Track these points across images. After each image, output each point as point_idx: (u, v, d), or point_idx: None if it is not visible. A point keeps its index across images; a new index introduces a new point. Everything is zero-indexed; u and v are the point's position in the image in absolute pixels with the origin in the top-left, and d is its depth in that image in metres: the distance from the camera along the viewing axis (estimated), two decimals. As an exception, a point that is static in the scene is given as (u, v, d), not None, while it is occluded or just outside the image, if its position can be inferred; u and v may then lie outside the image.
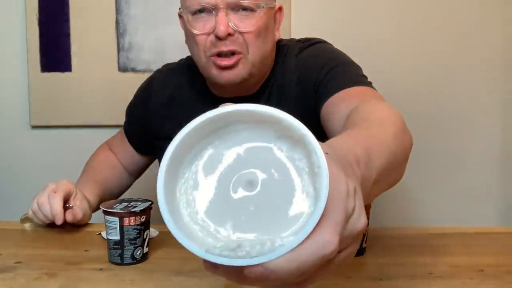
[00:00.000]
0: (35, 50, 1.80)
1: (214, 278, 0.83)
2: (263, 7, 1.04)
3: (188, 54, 1.21)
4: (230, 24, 1.01)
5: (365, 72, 1.20)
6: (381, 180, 0.59)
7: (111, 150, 1.38)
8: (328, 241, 0.42)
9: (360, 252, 0.94)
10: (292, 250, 0.41)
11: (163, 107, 1.23)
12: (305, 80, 1.10)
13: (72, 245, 1.00)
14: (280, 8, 1.13)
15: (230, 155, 0.47)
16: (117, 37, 1.79)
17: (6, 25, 1.82)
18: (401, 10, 1.80)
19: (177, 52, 1.75)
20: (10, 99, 1.85)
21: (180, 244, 0.45)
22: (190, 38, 1.08)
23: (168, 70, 1.28)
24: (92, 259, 0.92)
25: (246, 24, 1.03)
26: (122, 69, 1.80)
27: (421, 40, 1.81)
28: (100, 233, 1.04)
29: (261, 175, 0.45)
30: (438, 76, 1.83)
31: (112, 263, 0.89)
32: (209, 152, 0.48)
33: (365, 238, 0.94)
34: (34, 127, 1.86)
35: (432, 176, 1.85)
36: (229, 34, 1.02)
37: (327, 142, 0.56)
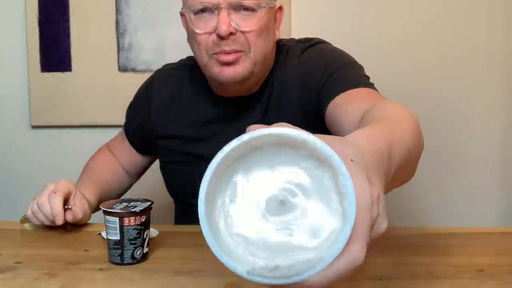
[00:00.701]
0: (35, 50, 1.80)
1: (214, 278, 0.83)
2: (264, 7, 1.05)
3: (188, 54, 1.21)
4: (232, 23, 1.02)
5: (365, 72, 1.20)
6: (396, 176, 0.61)
7: (110, 151, 1.38)
8: (358, 255, 0.47)
9: (360, 252, 0.93)
10: (327, 266, 0.44)
11: (164, 106, 1.23)
12: (307, 82, 1.10)
13: (72, 245, 1.00)
14: (280, 8, 1.14)
15: (260, 177, 0.49)
16: (117, 37, 1.79)
17: (6, 26, 1.82)
18: (402, 10, 1.80)
19: (177, 52, 1.75)
20: (10, 99, 1.86)
21: (213, 253, 0.47)
22: (192, 37, 1.08)
23: (169, 70, 1.28)
24: (92, 259, 0.92)
25: (248, 23, 1.03)
26: (122, 69, 1.80)
27: (421, 40, 1.81)
28: (100, 233, 1.04)
29: (291, 197, 0.47)
30: (438, 76, 1.83)
31: (112, 263, 0.89)
32: (238, 176, 0.50)
33: (365, 238, 0.93)
34: (34, 127, 1.86)
35: (432, 176, 1.85)
36: (231, 34, 1.02)
37: (353, 136, 0.58)
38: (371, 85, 1.07)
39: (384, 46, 1.81)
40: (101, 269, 0.87)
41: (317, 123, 1.06)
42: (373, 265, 0.89)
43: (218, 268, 0.86)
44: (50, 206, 1.04)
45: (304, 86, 1.11)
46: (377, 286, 0.81)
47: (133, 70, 1.80)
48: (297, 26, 1.74)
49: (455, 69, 1.83)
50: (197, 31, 1.05)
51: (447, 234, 1.09)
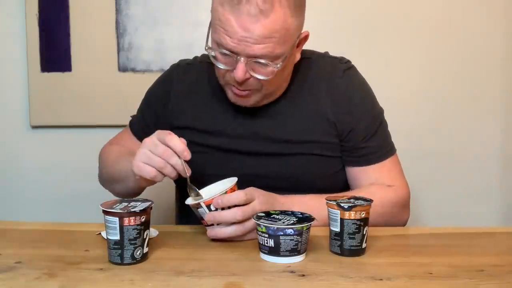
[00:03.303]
0: (35, 50, 1.80)
1: (214, 278, 0.83)
2: (279, 66, 1.06)
3: (188, 53, 1.21)
4: (248, 71, 1.06)
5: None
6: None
7: (119, 145, 1.32)
8: (239, 194, 0.99)
9: (360, 252, 0.94)
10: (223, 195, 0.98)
11: (184, 97, 1.25)
12: (336, 114, 1.18)
13: (72, 245, 1.00)
14: (306, 37, 1.14)
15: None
16: (117, 37, 1.79)
17: (6, 25, 1.82)
18: (402, 9, 1.80)
19: (177, 52, 1.76)
20: (10, 99, 1.86)
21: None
22: (213, 61, 1.10)
23: (187, 65, 1.30)
24: (92, 259, 0.92)
25: (264, 73, 1.07)
26: (122, 69, 1.81)
27: (421, 40, 1.81)
28: (100, 233, 1.04)
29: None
30: (439, 76, 1.84)
31: (112, 263, 0.89)
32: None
33: (365, 238, 0.94)
34: (34, 127, 1.86)
35: (432, 176, 1.85)
36: (246, 79, 1.07)
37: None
38: (391, 151, 1.22)
39: (384, 45, 1.81)
40: (101, 269, 0.87)
41: (316, 136, 1.18)
42: (373, 265, 0.89)
43: (218, 268, 0.87)
44: (172, 146, 0.99)
45: (337, 108, 1.18)
46: (377, 286, 0.81)
47: (133, 70, 1.80)
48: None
49: (456, 69, 1.83)
50: (218, 65, 1.09)
51: (447, 234, 1.09)
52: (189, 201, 1.03)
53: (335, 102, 1.19)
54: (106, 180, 1.28)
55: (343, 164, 1.22)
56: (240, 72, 1.05)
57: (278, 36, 1.03)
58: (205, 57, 1.27)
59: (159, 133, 1.02)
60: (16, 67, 1.83)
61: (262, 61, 1.04)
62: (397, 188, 1.19)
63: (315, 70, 1.22)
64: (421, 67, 1.83)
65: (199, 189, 1.03)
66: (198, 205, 0.99)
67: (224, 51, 1.05)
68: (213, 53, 1.09)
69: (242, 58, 1.04)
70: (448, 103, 1.84)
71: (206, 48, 1.09)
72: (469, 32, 1.81)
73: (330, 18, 1.79)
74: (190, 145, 1.17)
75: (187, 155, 0.98)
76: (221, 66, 1.08)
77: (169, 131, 1.01)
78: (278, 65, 1.06)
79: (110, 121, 1.79)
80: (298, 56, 1.17)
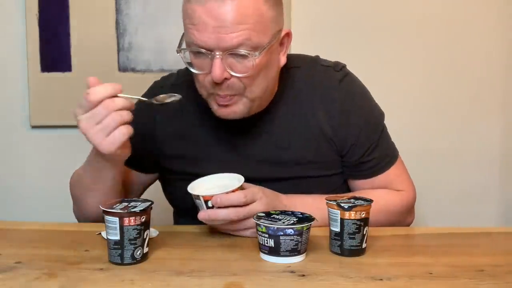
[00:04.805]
0: (35, 50, 1.80)
1: (214, 278, 0.83)
2: (261, 51, 0.99)
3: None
4: (226, 69, 0.98)
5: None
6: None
7: None
8: (239, 195, 0.98)
9: (360, 252, 0.94)
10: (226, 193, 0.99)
11: (169, 124, 1.17)
12: (334, 130, 1.12)
13: (72, 245, 1.00)
14: (288, 34, 1.08)
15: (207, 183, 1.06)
16: (117, 37, 1.79)
17: (6, 25, 1.82)
18: (402, 8, 1.80)
19: (177, 52, 1.76)
20: (10, 99, 1.86)
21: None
22: (189, 67, 1.05)
23: (172, 86, 1.20)
24: (92, 259, 0.92)
25: (243, 68, 0.99)
26: (122, 69, 1.81)
27: (421, 39, 1.81)
28: (100, 233, 1.04)
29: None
30: (438, 76, 1.84)
31: (112, 263, 0.89)
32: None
33: (365, 238, 0.94)
34: (34, 127, 1.86)
35: (432, 176, 1.85)
36: (225, 79, 0.99)
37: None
38: (395, 156, 1.19)
39: (384, 44, 1.81)
40: (101, 269, 0.87)
41: (313, 147, 1.13)
42: (373, 265, 0.89)
43: (218, 268, 0.87)
44: (101, 96, 0.92)
45: (334, 122, 1.12)
46: (377, 286, 0.81)
47: (133, 70, 1.80)
48: (297, 23, 1.73)
49: (455, 69, 1.83)
50: (193, 71, 1.02)
51: (447, 234, 1.09)
52: (191, 189, 1.01)
53: (332, 117, 1.12)
54: (81, 199, 1.15)
55: (344, 179, 1.19)
56: (216, 69, 0.97)
57: (252, 22, 0.96)
58: (189, 74, 1.12)
59: (80, 104, 0.94)
60: (16, 67, 1.83)
61: (240, 51, 0.96)
62: (404, 193, 1.18)
63: (307, 81, 1.14)
64: (421, 67, 1.83)
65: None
66: (197, 197, 0.99)
67: (197, 49, 0.98)
68: (187, 56, 1.02)
69: (217, 54, 0.97)
70: (448, 103, 1.84)
71: (177, 49, 1.03)
72: (469, 32, 1.81)
73: (331, 17, 1.79)
74: (182, 175, 1.14)
75: (117, 87, 0.93)
76: (196, 71, 1.02)
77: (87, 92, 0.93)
78: (257, 54, 0.98)
79: (110, 121, 1.79)
80: (283, 60, 1.08)
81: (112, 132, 0.93)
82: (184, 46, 1.03)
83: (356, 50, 1.79)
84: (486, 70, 1.83)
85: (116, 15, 1.79)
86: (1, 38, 1.83)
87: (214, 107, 1.06)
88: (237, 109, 1.05)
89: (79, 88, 1.79)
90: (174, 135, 1.17)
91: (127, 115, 0.94)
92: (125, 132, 0.94)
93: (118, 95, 0.95)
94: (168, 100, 1.02)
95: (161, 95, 1.02)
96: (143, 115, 1.15)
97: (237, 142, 1.14)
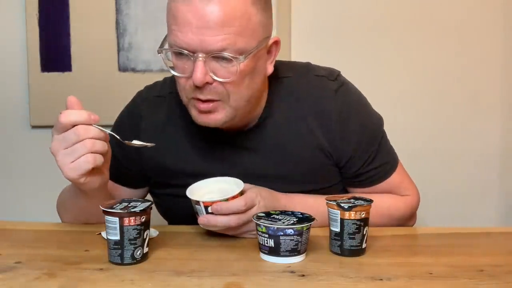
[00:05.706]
0: (35, 50, 1.80)
1: (214, 278, 0.83)
2: (246, 56, 0.95)
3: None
4: (209, 73, 0.94)
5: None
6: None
7: None
8: (239, 203, 0.97)
9: (360, 252, 0.94)
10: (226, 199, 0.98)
11: (154, 137, 1.09)
12: (330, 142, 1.08)
13: (72, 245, 1.00)
14: (276, 42, 1.03)
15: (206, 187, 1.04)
16: (117, 37, 1.79)
17: (6, 25, 1.82)
18: (402, 8, 1.80)
19: (177, 52, 1.76)
20: (10, 99, 1.86)
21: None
22: (171, 71, 1.01)
23: (155, 98, 1.16)
24: (92, 259, 0.92)
25: (226, 73, 0.95)
26: (122, 69, 1.81)
27: (421, 39, 1.81)
28: (100, 233, 1.04)
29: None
30: (438, 75, 1.84)
31: (112, 263, 0.89)
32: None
33: (365, 238, 0.94)
34: (34, 127, 1.86)
35: (432, 176, 1.85)
36: (207, 83, 0.95)
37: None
38: (395, 163, 1.17)
39: (384, 43, 1.81)
40: (101, 269, 0.87)
41: (308, 160, 1.09)
42: (373, 265, 0.89)
43: (218, 268, 0.87)
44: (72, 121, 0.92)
45: (331, 135, 1.08)
46: (377, 286, 0.81)
47: (133, 70, 1.80)
48: (297, 22, 1.73)
49: (455, 69, 1.83)
50: (174, 73, 0.98)
51: (447, 234, 1.09)
52: (190, 194, 1.00)
53: (329, 130, 1.08)
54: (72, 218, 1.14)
55: (343, 187, 1.17)
56: (198, 72, 0.92)
57: (238, 25, 0.92)
58: (174, 84, 1.08)
59: (55, 123, 0.94)
60: (16, 67, 1.83)
61: (224, 54, 0.92)
62: (409, 198, 1.18)
63: (299, 92, 1.09)
64: (421, 67, 1.83)
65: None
66: (197, 202, 0.99)
67: (179, 49, 0.94)
68: (169, 57, 0.99)
69: (200, 56, 0.92)
70: (448, 102, 1.84)
71: (158, 49, 0.99)
72: (469, 32, 1.81)
73: (330, 18, 1.79)
74: (168, 188, 1.13)
75: (93, 117, 0.93)
76: (177, 73, 0.97)
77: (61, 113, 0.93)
78: (242, 59, 0.93)
79: (110, 121, 1.78)
80: (270, 69, 1.03)
81: (78, 159, 0.90)
82: (166, 46, 0.99)
83: (355, 50, 1.79)
84: (486, 70, 1.83)
85: (116, 15, 1.79)
86: (1, 38, 1.83)
87: (194, 113, 1.00)
88: (218, 116, 0.99)
89: (79, 88, 1.82)
90: (161, 149, 1.10)
91: (100, 145, 0.92)
92: (90, 160, 0.90)
93: (93, 124, 0.93)
94: (138, 145, 0.99)
95: (133, 141, 0.99)
96: (128, 130, 1.13)
97: (227, 156, 1.10)
